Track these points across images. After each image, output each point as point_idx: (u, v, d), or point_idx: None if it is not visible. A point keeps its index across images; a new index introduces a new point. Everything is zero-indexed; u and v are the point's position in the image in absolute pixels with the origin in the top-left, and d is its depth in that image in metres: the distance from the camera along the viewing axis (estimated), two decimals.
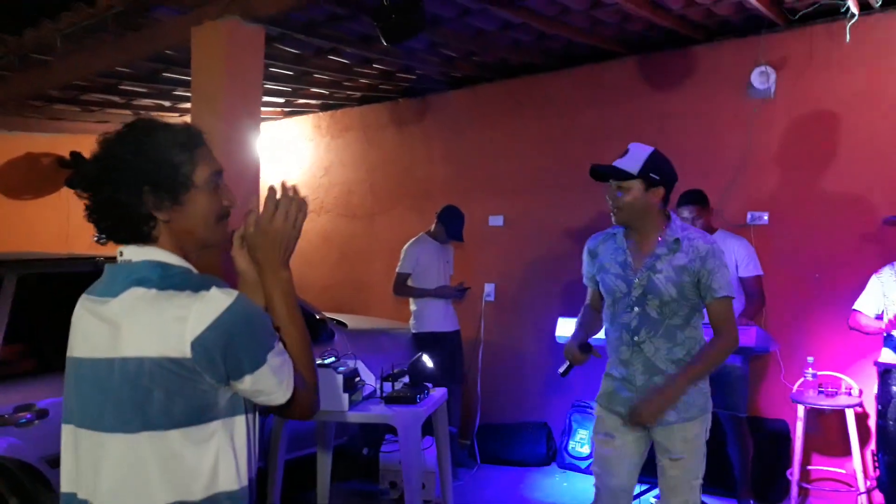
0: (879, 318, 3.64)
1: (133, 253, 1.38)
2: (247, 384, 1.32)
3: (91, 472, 1.33)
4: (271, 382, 1.34)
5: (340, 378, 3.34)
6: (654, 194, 2.48)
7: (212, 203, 1.41)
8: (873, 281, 3.72)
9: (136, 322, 1.30)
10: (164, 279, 1.33)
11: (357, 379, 3.55)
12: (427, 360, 3.77)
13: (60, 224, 7.11)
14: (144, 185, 1.33)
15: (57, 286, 3.48)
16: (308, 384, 1.42)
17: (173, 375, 1.28)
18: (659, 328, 2.49)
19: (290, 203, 1.44)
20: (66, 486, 1.39)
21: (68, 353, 1.43)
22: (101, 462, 1.32)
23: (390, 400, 3.54)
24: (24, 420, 3.05)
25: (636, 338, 2.51)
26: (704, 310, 2.56)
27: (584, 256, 2.75)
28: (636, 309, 2.51)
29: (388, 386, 3.65)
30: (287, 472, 3.72)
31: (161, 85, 5.37)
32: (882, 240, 4.15)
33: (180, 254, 1.40)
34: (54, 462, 3.05)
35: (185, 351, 1.27)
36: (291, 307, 1.44)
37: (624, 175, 2.46)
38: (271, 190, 1.44)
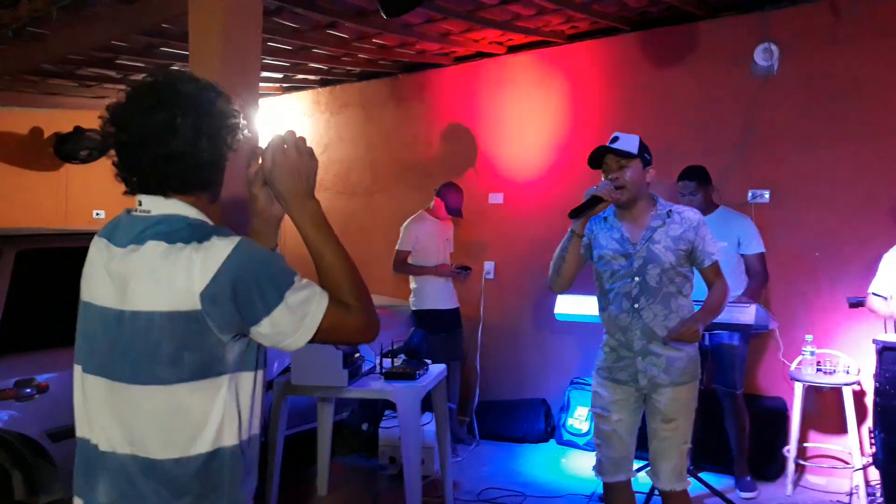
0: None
1: (153, 204, 1.37)
2: (266, 327, 1.30)
3: (101, 418, 1.35)
4: (292, 320, 1.31)
5: (340, 354, 3.35)
6: (648, 173, 2.74)
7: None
8: (884, 260, 3.72)
9: (147, 276, 1.30)
10: (177, 232, 1.32)
11: (357, 355, 3.56)
12: (421, 336, 3.78)
13: (59, 199, 7.10)
14: (209, 139, 1.36)
15: (56, 261, 3.48)
16: (354, 307, 1.38)
17: (183, 329, 1.28)
18: (657, 295, 2.70)
19: (295, 140, 1.43)
20: (79, 431, 1.41)
21: (81, 296, 1.44)
22: (109, 410, 1.33)
23: (390, 376, 3.56)
24: (24, 394, 3.06)
25: (636, 305, 2.71)
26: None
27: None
28: (636, 278, 2.71)
29: (387, 362, 3.67)
30: (287, 448, 3.74)
31: (158, 59, 5.32)
32: (884, 220, 4.14)
33: (205, 208, 1.41)
34: (55, 436, 3.08)
35: (195, 303, 1.27)
36: (325, 235, 1.41)
37: (627, 154, 2.68)
38: (279, 135, 1.44)
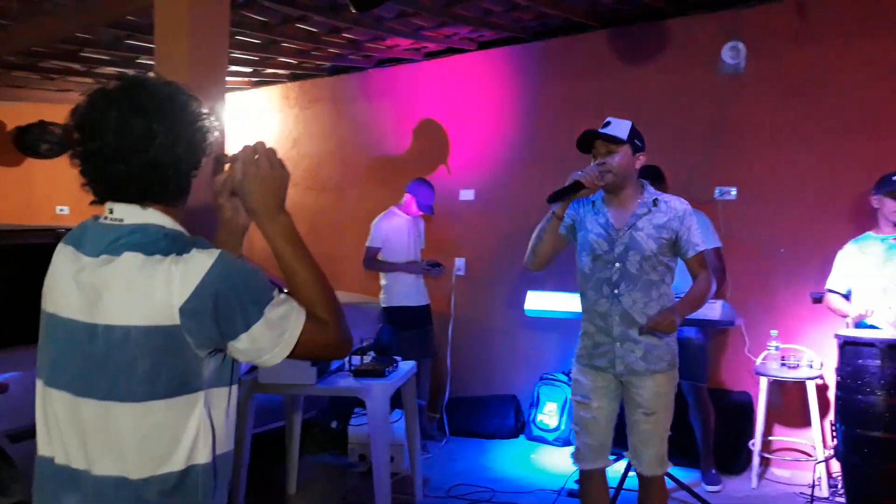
0: (847, 296, 3.73)
1: (127, 213, 1.33)
2: (244, 343, 1.28)
3: (68, 435, 1.30)
4: (270, 336, 1.29)
5: None
6: (637, 160, 2.74)
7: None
8: (837, 257, 3.80)
9: (123, 289, 1.26)
10: (154, 243, 1.28)
11: None
12: (389, 333, 3.78)
13: (21, 195, 6.95)
14: (187, 144, 1.34)
15: (16, 258, 3.40)
16: (327, 322, 1.36)
17: (160, 344, 1.25)
18: (637, 282, 2.70)
19: (266, 151, 1.39)
20: (41, 449, 1.36)
21: (43, 306, 1.38)
22: (77, 427, 1.29)
23: (359, 373, 3.54)
24: None
25: (616, 290, 2.71)
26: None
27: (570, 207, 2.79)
28: (617, 264, 2.71)
29: (356, 359, 3.65)
30: (256, 446, 3.71)
31: (124, 52, 5.23)
32: (847, 216, 4.22)
33: (180, 218, 1.38)
34: (15, 437, 3.01)
35: (174, 318, 1.24)
36: (297, 249, 1.37)
37: (616, 139, 2.68)
38: (249, 145, 1.41)
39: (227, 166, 1.42)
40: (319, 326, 1.34)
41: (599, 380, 2.78)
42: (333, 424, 4.75)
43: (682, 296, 2.80)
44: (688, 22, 4.71)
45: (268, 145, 1.41)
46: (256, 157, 1.38)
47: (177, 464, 1.28)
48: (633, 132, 2.73)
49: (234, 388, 1.38)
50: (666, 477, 3.91)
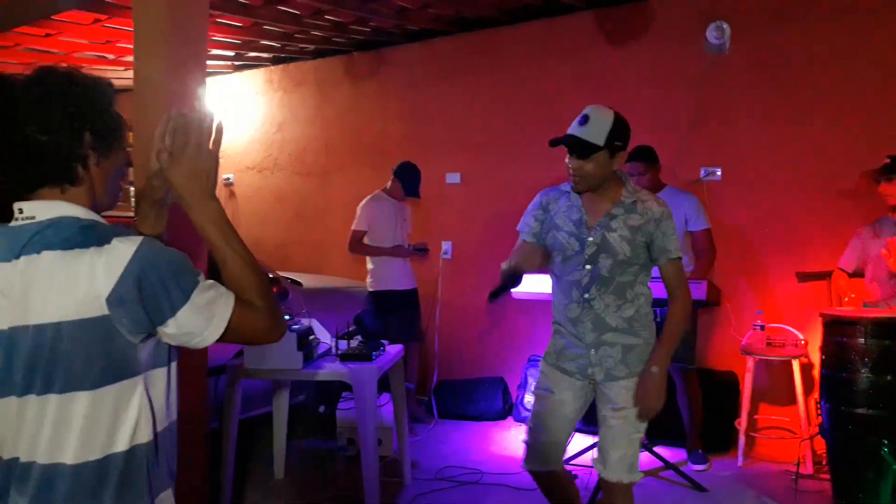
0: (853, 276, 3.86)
1: (37, 209, 1.32)
2: (172, 328, 1.29)
3: (12, 433, 1.31)
4: (198, 321, 1.29)
5: (294, 336, 3.31)
6: (617, 160, 2.46)
7: (124, 161, 1.43)
8: (853, 238, 3.92)
9: (48, 287, 1.25)
10: (70, 238, 1.27)
11: (311, 337, 3.53)
12: (369, 317, 3.78)
13: None
14: (86, 128, 1.32)
15: None
16: (260, 307, 1.36)
17: (93, 335, 1.25)
18: (609, 285, 2.48)
19: (200, 129, 1.36)
20: None
21: None
22: (20, 424, 1.29)
23: (345, 357, 3.53)
24: None
25: (586, 294, 2.50)
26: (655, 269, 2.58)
27: (534, 208, 2.66)
28: (587, 267, 2.49)
29: (343, 344, 3.64)
30: (243, 432, 3.70)
31: (100, 36, 5.15)
32: (832, 196, 4.23)
33: (89, 205, 1.36)
34: None
35: (103, 308, 1.24)
36: (227, 235, 1.37)
37: (591, 149, 2.40)
38: (175, 117, 1.35)
39: (154, 153, 1.36)
40: (250, 311, 1.35)
41: (567, 379, 2.57)
42: (321, 409, 4.75)
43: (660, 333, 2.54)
44: (672, 2, 4.69)
45: (203, 122, 1.36)
46: (185, 142, 1.34)
47: (120, 445, 1.30)
48: (614, 131, 2.40)
49: (174, 365, 1.40)
50: (653, 455, 3.94)
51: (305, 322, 3.56)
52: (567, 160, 2.47)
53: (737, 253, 4.48)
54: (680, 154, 4.58)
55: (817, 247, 4.22)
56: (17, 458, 1.31)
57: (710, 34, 4.43)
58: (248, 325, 1.35)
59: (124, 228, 1.33)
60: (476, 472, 4.12)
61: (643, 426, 2.50)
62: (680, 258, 2.52)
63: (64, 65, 1.36)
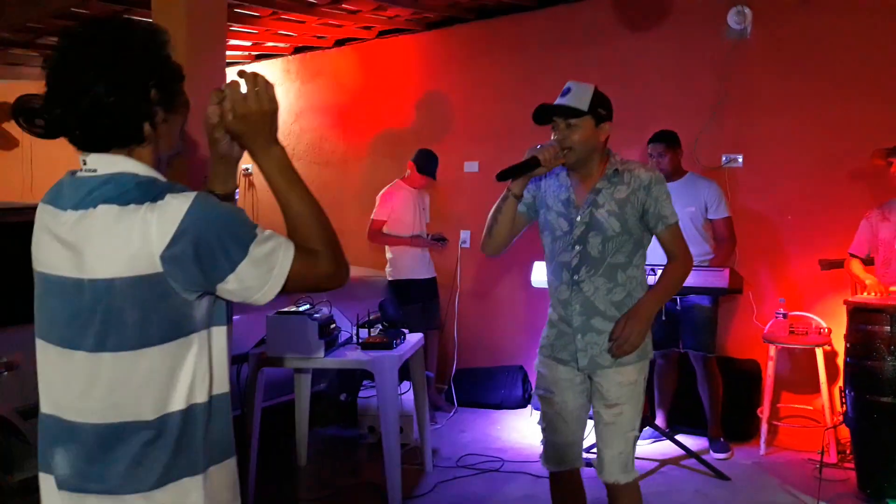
0: (866, 261, 3.79)
1: (99, 163, 1.31)
2: (232, 284, 1.26)
3: (67, 389, 1.30)
4: (258, 273, 1.27)
5: (315, 325, 3.33)
6: (602, 131, 2.42)
7: (186, 111, 1.41)
8: (862, 222, 3.85)
9: (103, 242, 1.24)
10: (127, 193, 1.26)
11: (332, 325, 3.54)
12: (392, 305, 3.78)
13: (24, 173, 6.94)
14: (152, 83, 1.30)
15: (20, 235, 3.39)
16: (322, 252, 1.33)
17: (146, 293, 1.24)
18: (599, 267, 2.40)
19: (255, 83, 1.36)
20: (44, 406, 1.36)
21: (33, 265, 1.37)
22: (75, 380, 1.29)
23: (367, 346, 3.55)
24: None
25: (576, 276, 2.42)
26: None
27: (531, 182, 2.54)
28: (577, 247, 2.42)
29: (364, 332, 3.65)
30: (265, 419, 3.73)
31: None
32: (855, 182, 4.18)
33: (152, 163, 1.34)
34: (26, 413, 3.03)
35: (156, 266, 1.23)
36: (291, 181, 1.36)
37: (575, 112, 2.37)
38: (236, 80, 1.37)
39: (210, 107, 1.38)
40: (311, 258, 1.33)
41: (563, 372, 2.49)
42: (343, 397, 4.77)
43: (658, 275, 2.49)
44: None
45: (256, 75, 1.37)
46: (244, 91, 1.35)
47: (177, 404, 1.28)
48: (596, 99, 2.38)
49: (230, 327, 1.38)
50: (675, 444, 3.92)
51: (326, 311, 3.57)
52: (553, 134, 2.44)
53: (758, 240, 4.44)
54: (701, 140, 4.54)
55: (840, 234, 4.16)
56: (67, 417, 1.30)
57: (732, 19, 4.38)
58: (310, 272, 1.32)
59: (180, 185, 1.30)
60: (497, 460, 4.13)
61: (637, 422, 2.44)
62: (677, 223, 2.44)
63: (116, 14, 1.35)
